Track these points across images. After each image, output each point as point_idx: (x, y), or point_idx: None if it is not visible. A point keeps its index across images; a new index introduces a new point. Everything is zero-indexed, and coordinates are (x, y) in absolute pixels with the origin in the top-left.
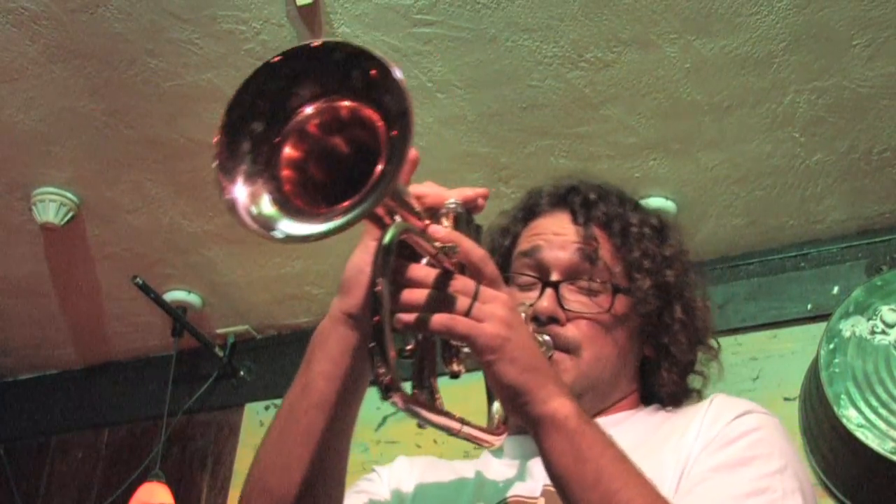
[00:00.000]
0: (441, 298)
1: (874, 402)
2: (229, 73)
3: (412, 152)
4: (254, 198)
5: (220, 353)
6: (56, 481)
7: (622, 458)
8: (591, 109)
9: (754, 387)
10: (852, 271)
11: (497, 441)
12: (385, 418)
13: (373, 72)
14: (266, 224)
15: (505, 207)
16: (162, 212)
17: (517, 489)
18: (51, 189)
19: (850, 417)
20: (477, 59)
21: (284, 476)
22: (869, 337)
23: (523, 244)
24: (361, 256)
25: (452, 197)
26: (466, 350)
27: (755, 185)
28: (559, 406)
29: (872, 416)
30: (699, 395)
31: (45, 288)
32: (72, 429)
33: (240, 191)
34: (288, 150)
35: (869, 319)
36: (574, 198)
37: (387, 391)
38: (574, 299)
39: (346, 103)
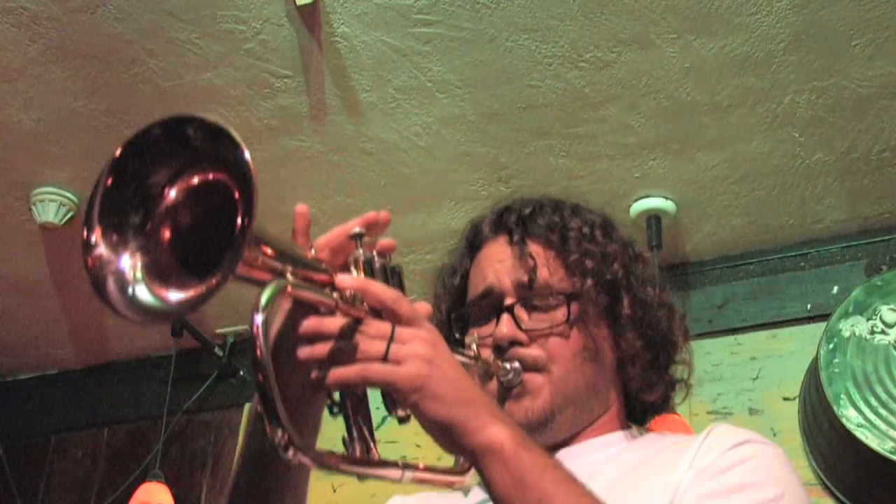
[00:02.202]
0: (352, 348)
1: (874, 402)
2: (229, 73)
3: (300, 207)
4: (132, 269)
5: (220, 353)
6: (56, 481)
7: (563, 480)
8: (591, 109)
9: (754, 387)
10: (852, 271)
11: (458, 480)
12: (384, 418)
13: (200, 132)
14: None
15: None
16: None
17: None
18: (50, 189)
19: (850, 417)
20: (477, 59)
21: None
22: (868, 337)
23: (474, 283)
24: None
25: (355, 227)
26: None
27: (755, 185)
28: (494, 434)
29: (872, 416)
30: (686, 386)
31: (44, 288)
32: (72, 429)
33: (125, 261)
34: (164, 233)
35: (868, 319)
36: (509, 218)
37: (286, 451)
38: (530, 318)
39: (197, 177)
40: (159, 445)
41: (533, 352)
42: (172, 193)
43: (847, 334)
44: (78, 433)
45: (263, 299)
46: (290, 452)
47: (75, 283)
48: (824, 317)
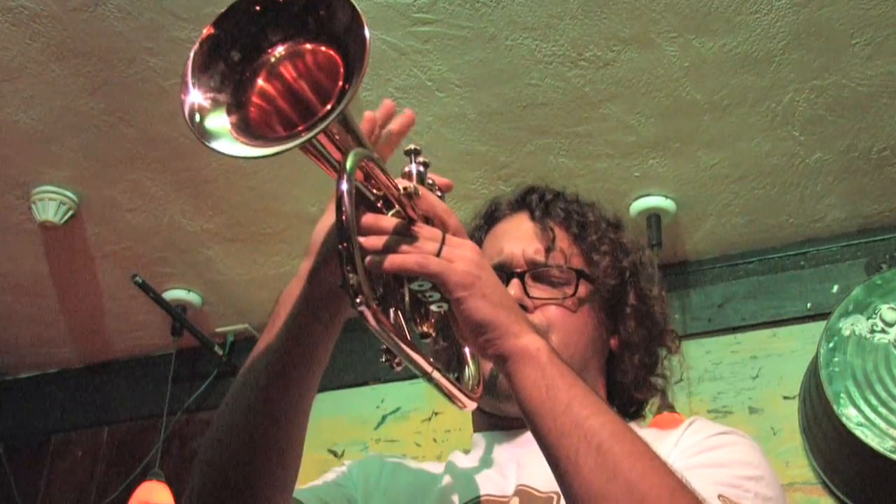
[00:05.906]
0: (407, 242)
1: (874, 401)
2: None
3: (368, 114)
4: (208, 108)
5: (220, 352)
6: (56, 480)
7: (590, 391)
8: (591, 108)
9: (754, 385)
10: (852, 270)
11: (470, 403)
12: (384, 417)
13: (334, 14)
14: (204, 133)
15: None
16: (161, 210)
17: (488, 488)
18: (50, 188)
19: (850, 416)
20: (476, 58)
21: (232, 436)
22: (868, 335)
23: (488, 253)
24: (327, 217)
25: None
26: (434, 308)
27: (755, 184)
28: (531, 340)
29: (872, 415)
30: (664, 396)
31: (44, 287)
32: (71, 428)
33: (196, 96)
34: (259, 83)
35: (868, 318)
36: (531, 197)
37: (355, 295)
38: (539, 288)
39: (310, 46)
40: (159, 445)
41: (534, 318)
42: (278, 55)
43: (847, 333)
44: (78, 432)
45: (349, 163)
46: (359, 298)
47: (75, 281)
48: (824, 315)
